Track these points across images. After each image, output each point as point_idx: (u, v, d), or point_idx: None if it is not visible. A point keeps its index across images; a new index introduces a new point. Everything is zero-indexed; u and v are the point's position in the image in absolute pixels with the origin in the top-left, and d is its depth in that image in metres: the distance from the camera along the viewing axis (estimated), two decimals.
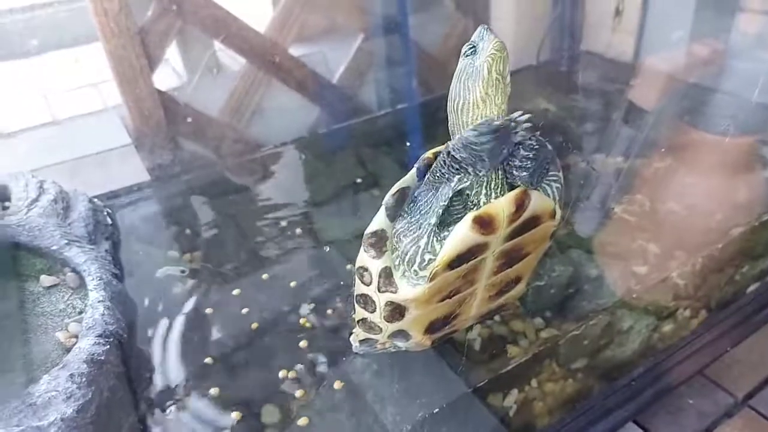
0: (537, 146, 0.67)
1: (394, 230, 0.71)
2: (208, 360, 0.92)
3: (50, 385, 0.68)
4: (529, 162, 0.66)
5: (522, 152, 0.66)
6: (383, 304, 0.72)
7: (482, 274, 0.73)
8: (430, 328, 0.77)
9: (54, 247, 0.92)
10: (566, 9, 1.77)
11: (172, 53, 1.65)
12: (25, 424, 0.64)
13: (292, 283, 1.08)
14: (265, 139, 1.59)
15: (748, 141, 1.15)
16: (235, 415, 0.84)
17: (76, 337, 0.78)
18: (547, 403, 0.92)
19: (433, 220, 0.66)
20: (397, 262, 0.70)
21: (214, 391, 0.87)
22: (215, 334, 0.97)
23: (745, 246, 1.12)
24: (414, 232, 0.68)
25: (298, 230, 1.22)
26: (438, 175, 0.67)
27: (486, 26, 0.64)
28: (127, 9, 1.35)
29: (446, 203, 0.66)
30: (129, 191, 1.31)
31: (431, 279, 0.67)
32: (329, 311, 1.01)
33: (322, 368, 0.91)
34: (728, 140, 1.15)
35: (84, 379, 0.69)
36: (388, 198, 0.71)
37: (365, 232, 0.71)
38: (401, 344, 0.80)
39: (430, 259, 0.67)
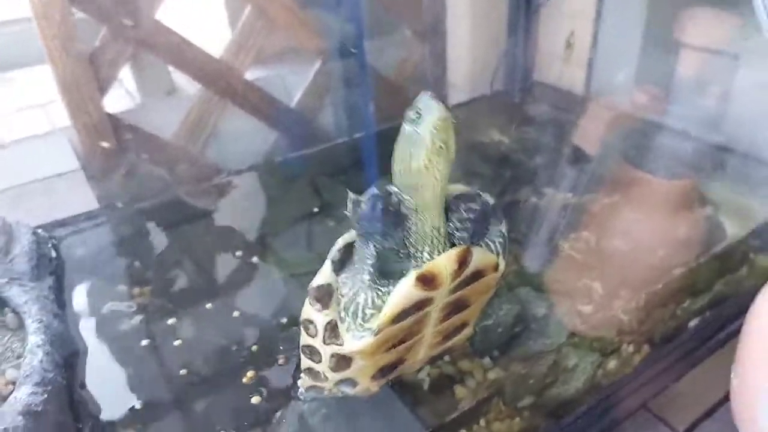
0: (476, 208, 0.68)
1: (342, 281, 0.71)
2: (149, 404, 0.90)
3: None
4: (468, 223, 0.68)
5: (461, 214, 0.68)
6: (329, 356, 0.72)
7: (428, 323, 0.74)
8: (377, 375, 0.78)
9: None
10: (519, 39, 1.81)
11: (125, 73, 1.62)
12: None
13: (235, 313, 1.07)
14: (221, 164, 1.57)
15: (689, 182, 1.19)
16: None
17: (14, 383, 0.75)
18: None
19: (367, 277, 0.68)
20: (342, 315, 0.70)
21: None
22: (160, 375, 0.95)
23: (687, 283, 1.16)
24: (351, 289, 0.69)
25: (253, 261, 1.21)
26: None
27: (429, 93, 0.65)
28: (75, 34, 1.32)
29: (373, 262, 0.67)
30: (76, 220, 1.28)
31: (376, 333, 0.67)
32: (278, 352, 1.00)
33: (267, 411, 0.90)
34: (669, 181, 1.19)
35: None
36: (333, 252, 0.71)
37: (310, 285, 0.72)
38: (349, 390, 0.80)
39: (372, 314, 0.68)
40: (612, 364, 1.06)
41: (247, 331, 1.04)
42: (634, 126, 1.26)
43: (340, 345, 0.70)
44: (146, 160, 1.50)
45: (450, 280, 0.67)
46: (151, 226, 1.34)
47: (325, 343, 0.71)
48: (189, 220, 1.38)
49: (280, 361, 0.98)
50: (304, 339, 0.74)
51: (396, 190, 0.68)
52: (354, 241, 0.72)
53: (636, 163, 1.17)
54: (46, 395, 0.72)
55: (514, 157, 1.54)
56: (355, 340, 0.69)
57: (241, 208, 1.44)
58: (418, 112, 0.64)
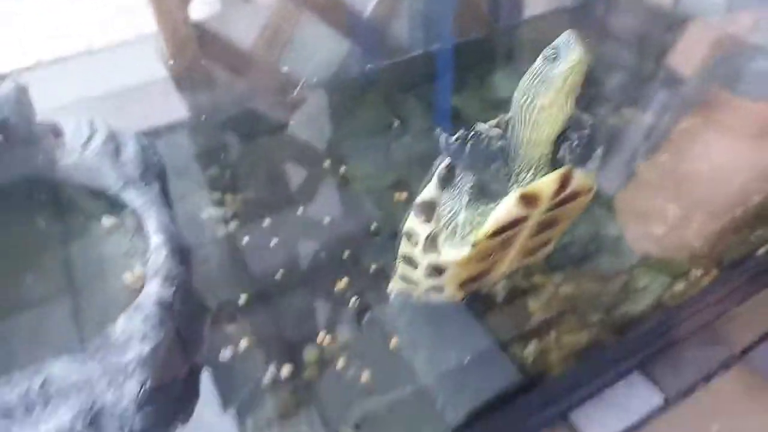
0: (586, 134, 0.71)
1: (443, 200, 0.76)
2: (251, 300, 1.00)
3: (127, 326, 0.76)
4: (578, 149, 0.70)
5: (572, 139, 0.70)
6: (425, 264, 0.79)
7: (519, 239, 0.79)
8: (464, 284, 0.85)
9: (112, 189, 0.98)
10: None
11: None
12: (108, 360, 0.73)
13: (326, 220, 1.15)
14: (298, 76, 1.60)
15: None
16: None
17: (142, 278, 0.85)
18: (562, 353, 1.00)
19: (466, 199, 0.73)
20: (442, 227, 0.76)
21: (261, 330, 0.96)
22: (262, 273, 1.05)
23: (763, 211, 1.17)
24: (452, 209, 0.75)
25: (335, 172, 1.27)
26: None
27: (575, 34, 0.66)
28: None
29: (472, 185, 0.73)
30: (168, 128, 1.35)
31: (473, 246, 0.73)
32: (367, 258, 1.08)
33: (358, 312, 0.99)
34: (757, 105, 1.17)
35: (156, 321, 0.77)
36: (441, 170, 0.76)
37: (416, 201, 0.77)
38: (435, 297, 0.88)
39: (470, 231, 0.73)
40: (680, 286, 1.10)
41: (337, 238, 1.11)
42: (736, 50, 1.22)
43: (438, 255, 0.76)
44: (228, 69, 1.54)
45: (549, 200, 0.71)
46: (236, 136, 1.40)
47: (424, 252, 0.77)
48: (270, 131, 1.43)
49: (371, 269, 1.05)
50: (404, 248, 0.81)
51: (490, 126, 0.71)
52: None
53: (732, 87, 1.15)
54: (173, 289, 0.82)
55: (594, 74, 1.51)
56: (452, 251, 0.75)
57: (318, 121, 1.49)
58: (555, 51, 0.65)
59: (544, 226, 0.79)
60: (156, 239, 0.89)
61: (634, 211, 1.16)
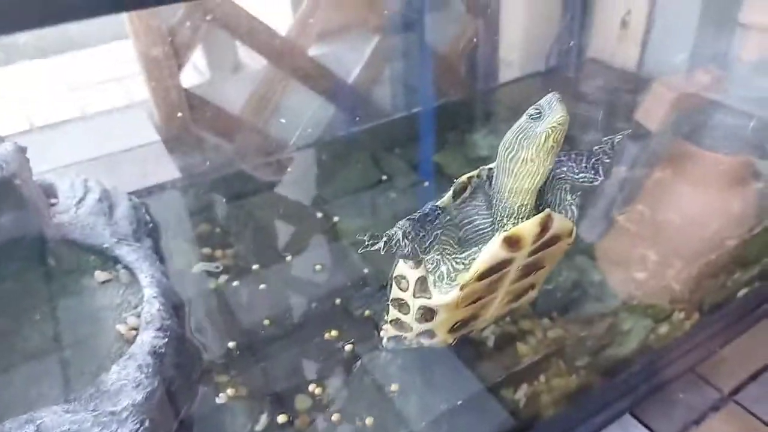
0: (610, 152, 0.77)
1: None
2: (243, 350, 1.01)
3: (120, 374, 0.76)
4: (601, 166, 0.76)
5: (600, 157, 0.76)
6: (416, 308, 0.81)
7: (504, 283, 0.82)
8: (454, 328, 0.87)
9: (105, 245, 1.00)
10: (575, 16, 1.84)
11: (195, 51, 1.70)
12: (101, 409, 0.73)
13: (315, 274, 1.17)
14: (285, 139, 1.66)
15: (743, 158, 1.24)
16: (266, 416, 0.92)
17: (136, 329, 0.86)
18: (553, 396, 1.01)
19: (440, 253, 0.77)
20: (431, 271, 0.79)
21: (252, 379, 0.96)
22: (252, 324, 1.06)
23: (737, 255, 1.22)
24: (435, 259, 0.78)
25: (322, 229, 1.30)
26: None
27: (558, 96, 0.71)
28: (156, 11, 1.41)
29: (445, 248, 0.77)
30: (158, 188, 1.38)
31: (462, 288, 0.76)
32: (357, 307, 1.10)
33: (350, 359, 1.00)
34: (724, 157, 1.24)
35: (150, 369, 0.77)
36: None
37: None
38: (426, 342, 0.89)
39: (456, 275, 0.77)
40: (664, 329, 1.13)
41: (327, 289, 1.13)
42: (696, 105, 1.30)
43: (429, 298, 0.79)
44: (217, 134, 1.59)
45: (531, 243, 0.75)
46: (225, 196, 1.43)
47: (414, 296, 0.80)
48: (259, 191, 1.47)
49: (361, 318, 1.07)
50: (395, 293, 0.83)
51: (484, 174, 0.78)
52: (443, 207, 0.80)
53: (694, 140, 1.22)
54: (166, 339, 0.83)
55: (569, 133, 1.58)
56: (442, 295, 0.78)
57: (305, 181, 1.53)
58: (539, 110, 0.70)
59: (529, 269, 0.82)
60: (149, 291, 0.90)
61: (615, 258, 1.20)
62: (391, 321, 0.88)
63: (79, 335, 0.87)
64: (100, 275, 0.96)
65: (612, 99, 1.71)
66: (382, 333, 0.92)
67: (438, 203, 0.80)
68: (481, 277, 0.75)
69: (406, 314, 0.83)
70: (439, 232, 0.77)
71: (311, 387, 0.96)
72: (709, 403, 1.19)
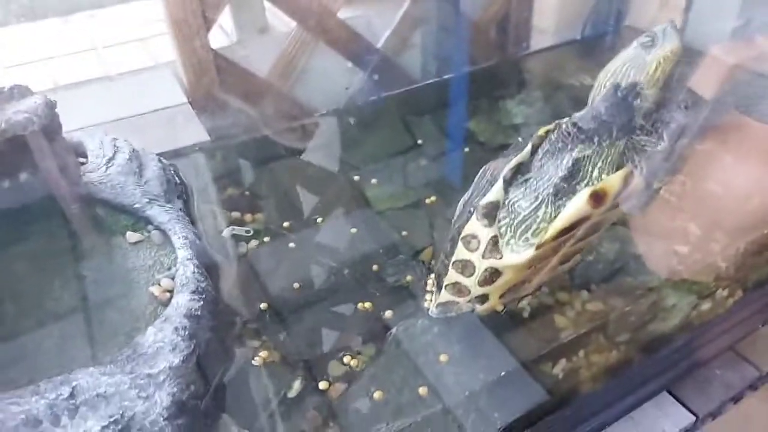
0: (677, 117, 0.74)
1: (508, 201, 0.76)
2: (279, 314, 0.99)
3: (157, 336, 0.74)
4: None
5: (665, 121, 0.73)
6: (482, 269, 0.78)
7: (566, 245, 0.79)
8: (507, 294, 0.84)
9: (136, 205, 0.98)
10: None
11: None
12: (138, 371, 0.71)
13: (350, 235, 1.16)
14: (312, 103, 1.62)
15: None
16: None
17: (170, 291, 0.84)
18: (591, 372, 0.98)
19: (551, 191, 0.72)
20: (503, 230, 0.76)
21: (286, 344, 0.94)
22: (285, 289, 1.04)
23: None
24: (532, 203, 0.74)
25: (351, 195, 1.28)
26: (559, 145, 0.73)
27: (674, 24, 0.67)
28: None
29: (565, 173, 0.71)
30: (186, 150, 1.36)
31: (538, 247, 0.73)
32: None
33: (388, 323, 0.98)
34: None
35: (186, 332, 0.75)
36: (506, 171, 0.76)
37: (481, 203, 0.77)
38: (478, 307, 0.87)
39: (544, 227, 0.73)
40: (706, 306, 1.09)
41: (359, 256, 1.11)
42: (753, 74, 1.24)
43: (499, 259, 0.76)
44: (244, 96, 1.56)
45: (612, 200, 0.71)
46: (253, 160, 1.40)
47: (484, 257, 0.77)
48: (287, 155, 1.43)
49: (395, 286, 1.05)
50: (461, 254, 0.81)
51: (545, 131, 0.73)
52: (521, 162, 0.76)
53: (746, 110, 1.17)
54: (201, 302, 0.81)
55: None
56: (514, 254, 0.75)
57: (334, 146, 1.50)
58: (651, 38, 0.67)
59: (588, 232, 0.79)
60: (183, 253, 0.88)
61: (656, 231, 1.16)
62: (447, 285, 0.85)
63: (111, 296, 0.85)
64: (131, 236, 0.94)
65: None
66: (426, 299, 0.90)
67: (515, 159, 0.76)
68: (560, 235, 0.72)
69: (469, 276, 0.81)
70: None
71: (345, 354, 0.94)
72: (747, 381, 1.16)
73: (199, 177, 1.29)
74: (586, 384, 0.98)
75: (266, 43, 1.69)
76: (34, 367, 0.76)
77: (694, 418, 1.04)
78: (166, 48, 1.53)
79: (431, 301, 0.91)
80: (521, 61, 1.80)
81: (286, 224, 1.18)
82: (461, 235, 0.79)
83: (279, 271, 1.08)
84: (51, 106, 0.89)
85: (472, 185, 0.87)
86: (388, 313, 1.00)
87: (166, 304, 0.82)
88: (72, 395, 0.67)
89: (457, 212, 0.87)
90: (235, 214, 1.20)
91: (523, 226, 0.75)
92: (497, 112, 1.53)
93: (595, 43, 1.79)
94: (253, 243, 1.13)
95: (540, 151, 0.76)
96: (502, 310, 0.88)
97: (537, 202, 0.74)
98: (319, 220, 1.21)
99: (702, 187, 1.22)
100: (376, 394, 0.88)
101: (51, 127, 0.89)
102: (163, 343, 0.74)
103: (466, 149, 1.44)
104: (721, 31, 1.57)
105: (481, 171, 0.84)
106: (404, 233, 1.18)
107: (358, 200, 1.28)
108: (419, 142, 1.46)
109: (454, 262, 0.82)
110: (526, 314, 1.02)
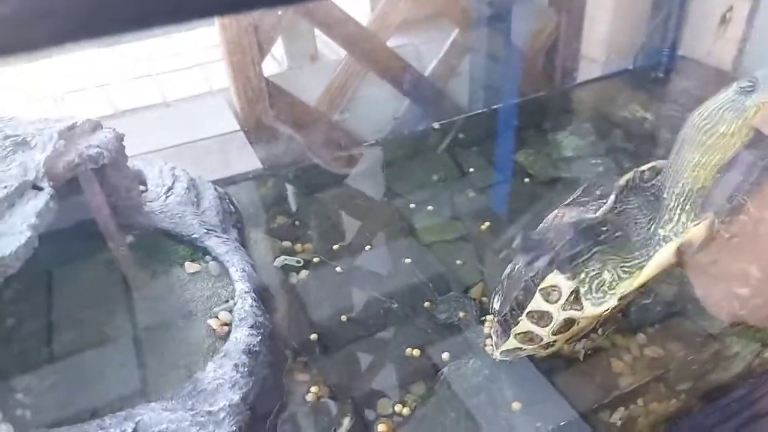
0: None
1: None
2: (329, 347, 0.99)
3: (217, 373, 0.75)
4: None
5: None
6: (561, 320, 0.78)
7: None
8: (571, 338, 0.83)
9: (194, 235, 0.99)
10: (670, 12, 1.74)
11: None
12: (199, 408, 0.72)
13: (399, 267, 1.15)
14: (361, 131, 1.63)
15: None
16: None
17: (227, 324, 0.85)
18: (649, 420, 0.95)
19: (614, 257, 0.76)
20: (583, 282, 0.77)
21: (337, 376, 0.94)
22: (335, 323, 1.04)
23: None
24: (600, 265, 0.76)
25: (399, 227, 1.27)
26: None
27: None
28: None
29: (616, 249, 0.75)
30: (240, 178, 1.38)
31: (621, 298, 0.74)
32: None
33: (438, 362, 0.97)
34: None
35: (245, 369, 0.76)
36: (592, 223, 0.77)
37: (564, 256, 0.77)
38: (542, 352, 0.86)
39: (616, 283, 0.75)
40: None
41: (409, 290, 1.10)
42: None
43: (579, 310, 0.76)
44: (295, 124, 1.58)
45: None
46: (302, 188, 1.42)
47: (563, 309, 0.77)
48: (335, 184, 1.44)
49: (447, 323, 1.04)
50: (538, 304, 0.80)
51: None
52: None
53: None
54: (260, 337, 0.81)
55: (659, 133, 1.51)
56: (594, 306, 0.76)
57: (381, 176, 1.50)
58: (752, 83, 0.67)
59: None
60: (241, 286, 0.89)
61: (715, 272, 1.12)
62: (518, 334, 0.84)
63: (170, 327, 0.86)
64: (190, 266, 0.96)
65: (705, 98, 1.61)
66: (488, 344, 0.89)
67: (600, 211, 0.77)
68: (641, 286, 0.72)
69: (545, 326, 0.80)
70: (597, 247, 0.75)
71: (395, 392, 0.93)
72: None
73: (252, 205, 1.31)
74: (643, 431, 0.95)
75: (317, 72, 1.71)
76: (96, 397, 0.77)
77: None
78: (220, 75, 1.57)
79: (493, 345, 0.90)
80: (570, 92, 1.79)
81: (335, 255, 1.19)
82: (539, 287, 0.78)
83: (328, 302, 1.09)
84: (120, 139, 0.91)
85: (538, 229, 0.86)
86: (438, 351, 0.99)
87: (223, 337, 0.83)
88: (135, 431, 0.68)
89: (521, 256, 0.87)
90: (286, 244, 1.21)
91: (597, 283, 0.76)
92: (546, 145, 1.52)
93: (648, 74, 1.76)
94: (303, 273, 1.14)
95: (617, 203, 0.76)
96: (577, 352, 0.87)
97: (604, 264, 0.76)
98: (368, 249, 1.21)
99: (764, 227, 1.18)
100: None
101: (119, 159, 0.91)
102: (223, 379, 0.74)
103: (515, 182, 1.43)
104: None
105: (551, 215, 0.84)
106: (453, 267, 1.17)
107: (405, 232, 1.28)
108: (467, 172, 1.45)
109: (529, 313, 0.81)
110: (581, 357, 0.99)
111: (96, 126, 0.89)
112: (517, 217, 1.32)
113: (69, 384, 0.79)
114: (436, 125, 1.63)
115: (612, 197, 0.76)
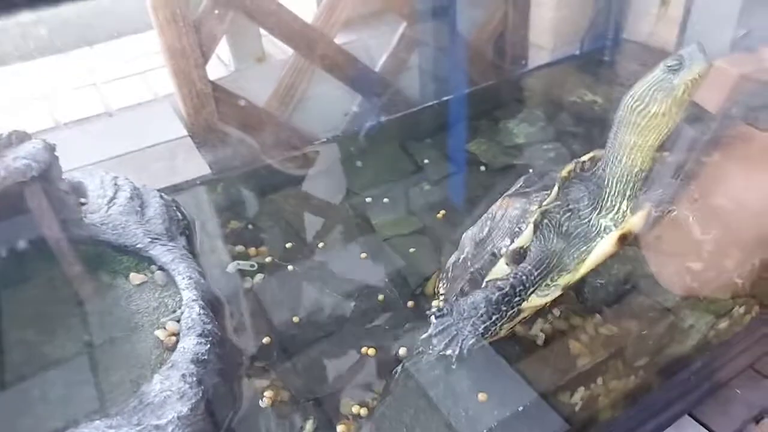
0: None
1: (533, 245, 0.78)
2: (286, 351, 0.97)
3: (164, 385, 0.72)
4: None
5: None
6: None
7: None
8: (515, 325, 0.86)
9: (138, 245, 0.96)
10: None
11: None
12: (146, 423, 0.69)
13: (357, 263, 1.14)
14: (312, 130, 1.61)
15: None
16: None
17: (175, 335, 0.82)
18: (610, 399, 0.96)
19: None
20: None
21: (294, 383, 0.92)
22: (293, 325, 1.02)
23: None
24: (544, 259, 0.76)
25: (355, 223, 1.26)
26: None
27: (700, 46, 0.66)
28: (182, 2, 1.36)
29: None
30: (187, 185, 1.34)
31: (564, 288, 0.77)
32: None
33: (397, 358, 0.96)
34: None
35: (194, 379, 0.73)
36: (537, 216, 0.77)
37: (510, 248, 0.78)
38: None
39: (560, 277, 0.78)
40: (723, 324, 1.07)
41: (366, 287, 1.09)
42: (759, 85, 1.23)
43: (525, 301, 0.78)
44: (244, 126, 1.55)
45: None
46: (254, 191, 1.39)
47: None
48: (289, 184, 1.41)
49: (405, 317, 1.03)
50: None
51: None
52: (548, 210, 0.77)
53: (755, 121, 1.15)
54: (208, 345, 0.79)
55: (608, 116, 1.52)
56: (539, 298, 0.79)
57: (335, 173, 1.48)
58: (678, 61, 0.66)
59: None
60: (188, 294, 0.86)
61: (667, 248, 1.14)
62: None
63: (116, 341, 0.83)
64: (134, 277, 0.92)
65: None
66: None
67: (545, 202, 0.77)
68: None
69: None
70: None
71: (356, 391, 0.92)
72: None
73: (202, 211, 1.28)
74: (605, 411, 0.95)
75: (265, 72, 1.68)
76: (39, 417, 0.74)
77: None
78: (164, 81, 1.53)
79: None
80: (520, 79, 1.79)
81: (290, 256, 1.17)
82: (486, 279, 0.78)
83: (285, 305, 1.06)
84: (50, 149, 0.88)
85: (482, 219, 0.85)
86: (396, 348, 0.98)
87: (171, 348, 0.80)
88: None
89: (467, 248, 0.86)
90: (239, 248, 1.18)
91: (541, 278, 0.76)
92: (498, 133, 1.52)
93: (594, 58, 1.79)
94: (259, 277, 1.11)
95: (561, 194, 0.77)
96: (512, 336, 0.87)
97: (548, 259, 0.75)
98: (324, 250, 1.19)
99: (712, 202, 1.20)
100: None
101: (50, 171, 0.87)
102: (171, 391, 0.71)
103: (469, 171, 1.42)
104: (720, 43, 1.56)
105: (495, 206, 0.83)
106: (410, 260, 1.16)
107: (362, 228, 1.27)
108: (420, 165, 1.44)
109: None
110: (539, 341, 0.99)
111: (23, 137, 0.85)
112: (472, 207, 1.31)
113: (8, 410, 0.75)
114: (387, 119, 1.61)
115: (555, 189, 0.76)
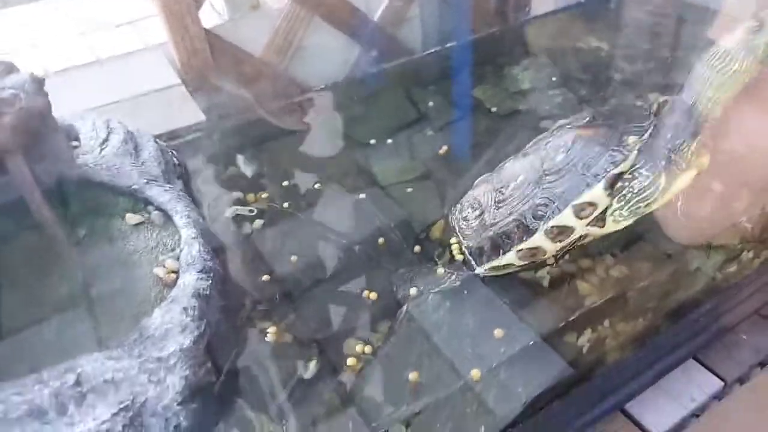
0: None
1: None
2: (289, 293, 0.95)
3: (165, 318, 0.70)
4: None
5: None
6: (577, 236, 0.84)
7: None
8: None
9: (135, 186, 0.93)
10: None
11: None
12: (147, 355, 0.67)
13: (357, 214, 1.12)
14: (310, 79, 1.56)
15: None
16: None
17: (175, 272, 0.80)
18: (618, 342, 0.94)
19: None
20: (618, 200, 0.82)
21: (296, 324, 0.90)
22: (295, 267, 1.00)
23: None
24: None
25: (357, 170, 1.23)
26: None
27: None
28: None
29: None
30: (183, 132, 1.30)
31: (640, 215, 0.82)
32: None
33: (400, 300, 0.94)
34: None
35: (195, 312, 0.71)
36: (640, 144, 0.81)
37: (612, 173, 0.79)
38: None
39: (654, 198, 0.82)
40: (732, 268, 1.05)
41: (368, 233, 1.06)
42: None
43: (602, 227, 0.83)
44: (240, 75, 1.50)
45: None
46: (253, 138, 1.35)
47: (589, 224, 0.82)
48: (286, 133, 1.38)
49: (409, 259, 1.01)
50: (564, 220, 0.82)
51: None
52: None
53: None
54: (210, 281, 0.76)
55: (614, 62, 1.49)
56: (614, 223, 0.83)
57: (337, 121, 1.44)
58: (759, 22, 0.73)
59: None
60: (187, 232, 0.84)
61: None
62: (521, 249, 0.86)
63: (114, 281, 0.81)
64: (131, 218, 0.89)
65: (657, 27, 1.59)
66: (477, 265, 0.92)
67: (644, 136, 0.81)
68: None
69: (559, 242, 0.84)
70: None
71: (360, 332, 0.90)
72: None
73: (199, 158, 1.24)
74: (611, 354, 0.94)
75: (259, 21, 1.63)
76: (39, 355, 0.72)
77: (722, 384, 1.01)
78: (156, 30, 1.47)
79: (473, 263, 0.92)
80: (524, 27, 1.74)
81: (290, 203, 1.14)
82: (573, 203, 0.81)
83: (285, 250, 1.04)
84: (38, 82, 0.84)
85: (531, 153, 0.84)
86: (401, 289, 0.96)
87: (172, 285, 0.77)
88: (78, 383, 0.63)
89: (483, 199, 0.86)
90: (238, 194, 1.15)
91: (639, 197, 0.81)
92: (503, 79, 1.48)
93: (600, 5, 1.74)
94: (258, 223, 1.09)
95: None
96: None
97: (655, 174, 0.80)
98: (324, 196, 1.17)
99: (725, 145, 1.17)
100: (395, 374, 0.84)
101: (40, 106, 0.84)
102: (172, 324, 0.69)
103: (474, 116, 1.39)
104: None
105: (552, 143, 0.87)
106: (414, 206, 1.14)
107: (364, 176, 1.24)
108: (424, 112, 1.41)
109: (550, 228, 0.83)
110: (545, 283, 0.98)
111: (10, 68, 0.81)
112: (480, 151, 1.28)
113: (7, 350, 0.73)
114: (389, 66, 1.57)
115: (650, 123, 0.82)
